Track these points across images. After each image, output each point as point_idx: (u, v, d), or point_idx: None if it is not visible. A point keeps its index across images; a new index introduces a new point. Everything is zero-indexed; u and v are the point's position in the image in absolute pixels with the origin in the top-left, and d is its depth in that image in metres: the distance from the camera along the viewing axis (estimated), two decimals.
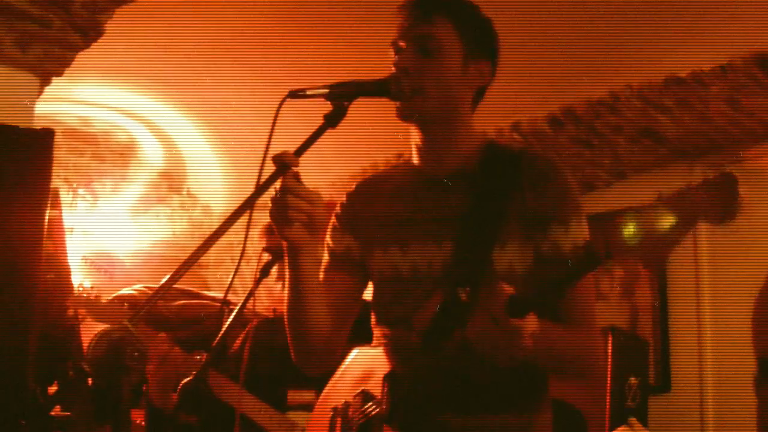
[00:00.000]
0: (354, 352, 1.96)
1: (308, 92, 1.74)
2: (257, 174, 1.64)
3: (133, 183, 5.64)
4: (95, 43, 3.40)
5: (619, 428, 4.12)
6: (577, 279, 1.53)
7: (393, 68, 1.83)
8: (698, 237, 4.78)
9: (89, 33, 3.18)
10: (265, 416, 2.93)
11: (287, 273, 1.79)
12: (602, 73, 4.12)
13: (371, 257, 1.92)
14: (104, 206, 5.55)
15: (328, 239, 1.98)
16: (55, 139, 3.35)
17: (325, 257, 1.96)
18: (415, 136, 1.91)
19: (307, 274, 1.78)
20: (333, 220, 1.99)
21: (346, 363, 1.98)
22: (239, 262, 1.76)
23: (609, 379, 4.10)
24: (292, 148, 1.66)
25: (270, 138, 1.69)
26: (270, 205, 1.69)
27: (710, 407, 4.52)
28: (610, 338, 4.20)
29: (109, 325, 3.55)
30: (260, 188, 1.60)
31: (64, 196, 4.90)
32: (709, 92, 4.07)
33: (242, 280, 3.20)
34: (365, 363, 1.90)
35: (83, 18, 3.18)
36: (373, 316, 1.94)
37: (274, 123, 1.70)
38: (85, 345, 3.53)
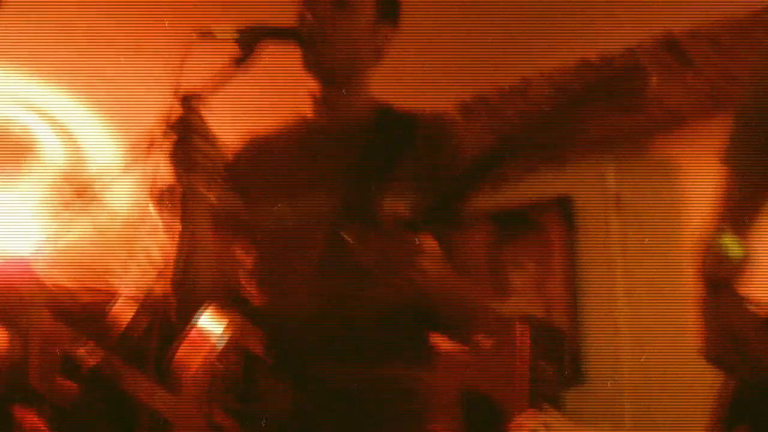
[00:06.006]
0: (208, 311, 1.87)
1: (217, 35, 1.74)
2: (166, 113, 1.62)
3: (34, 185, 5.46)
4: None
5: (530, 410, 4.11)
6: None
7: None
8: (610, 232, 4.82)
9: None
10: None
11: (178, 225, 1.78)
12: (513, 60, 4.13)
13: (257, 213, 1.89)
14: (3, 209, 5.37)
15: (212, 198, 1.91)
16: None
17: (209, 217, 1.90)
18: (314, 88, 1.91)
19: (199, 226, 1.78)
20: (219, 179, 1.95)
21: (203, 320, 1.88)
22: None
23: (525, 366, 4.10)
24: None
25: (178, 80, 1.66)
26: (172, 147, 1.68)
27: (626, 398, 4.53)
28: (527, 327, 4.21)
29: None
30: (166, 127, 1.57)
31: None
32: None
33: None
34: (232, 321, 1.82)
35: None
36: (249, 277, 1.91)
37: (181, 66, 1.68)
38: None
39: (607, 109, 1.40)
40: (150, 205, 1.76)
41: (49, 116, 4.95)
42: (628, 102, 1.39)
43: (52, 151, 5.30)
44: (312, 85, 1.91)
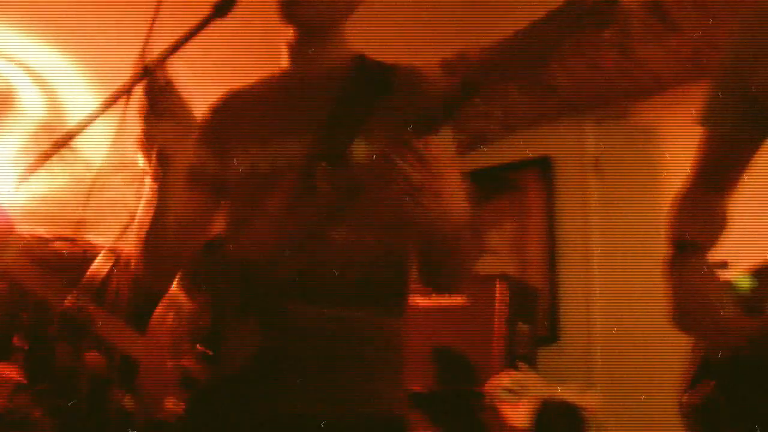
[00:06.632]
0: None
1: None
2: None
3: (12, 135, 5.39)
4: None
5: (508, 371, 4.14)
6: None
7: None
8: (588, 193, 4.84)
9: None
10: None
11: (151, 184, 1.78)
12: (494, 16, 4.08)
13: (230, 164, 1.88)
14: None
15: (185, 150, 1.91)
16: None
17: (184, 173, 1.91)
18: (290, 35, 1.91)
19: (171, 186, 1.79)
20: (196, 134, 1.95)
21: None
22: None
23: (501, 325, 4.12)
24: None
25: (153, 28, 1.64)
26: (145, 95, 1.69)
27: (598, 357, 4.57)
28: (504, 285, 4.22)
29: None
30: (138, 77, 1.57)
31: None
32: (601, 37, 4.07)
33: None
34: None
35: None
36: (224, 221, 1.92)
37: (156, 14, 1.66)
38: None
39: (579, 26, 1.40)
40: (135, 156, 1.75)
41: (27, 66, 4.88)
42: (599, 18, 1.39)
43: (30, 101, 5.24)
44: (289, 36, 1.90)
